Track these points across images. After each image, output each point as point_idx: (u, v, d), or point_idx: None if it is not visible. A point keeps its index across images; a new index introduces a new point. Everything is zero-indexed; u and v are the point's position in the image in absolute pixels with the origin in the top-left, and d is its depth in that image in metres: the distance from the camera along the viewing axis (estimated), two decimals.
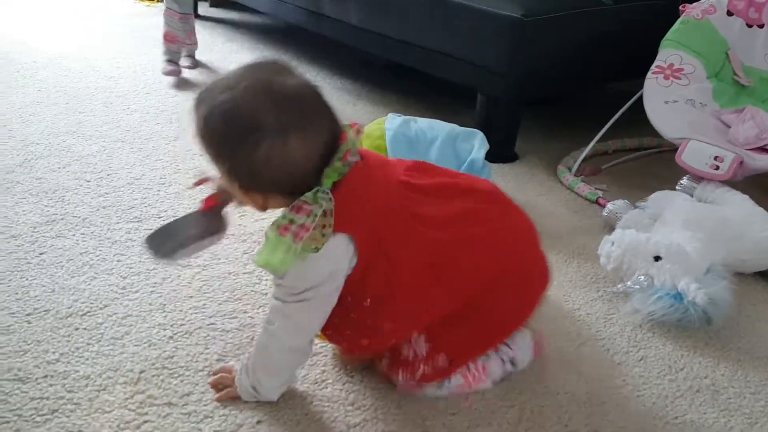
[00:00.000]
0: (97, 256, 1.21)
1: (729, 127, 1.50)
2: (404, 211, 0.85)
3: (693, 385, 1.01)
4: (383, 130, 1.42)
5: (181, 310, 1.08)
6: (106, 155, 1.62)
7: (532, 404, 0.94)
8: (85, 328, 1.02)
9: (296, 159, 0.78)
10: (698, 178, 1.39)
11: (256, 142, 0.76)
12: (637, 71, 1.64)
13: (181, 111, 1.93)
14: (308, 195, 0.78)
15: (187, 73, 2.23)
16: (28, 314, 1.05)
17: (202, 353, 0.99)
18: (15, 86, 2.02)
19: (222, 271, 1.19)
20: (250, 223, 1.35)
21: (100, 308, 1.07)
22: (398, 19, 1.86)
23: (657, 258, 1.15)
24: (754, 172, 1.39)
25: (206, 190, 0.94)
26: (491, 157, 1.46)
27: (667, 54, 1.58)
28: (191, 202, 1.42)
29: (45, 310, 1.06)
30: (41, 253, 1.20)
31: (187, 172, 1.56)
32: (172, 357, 0.98)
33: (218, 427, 0.86)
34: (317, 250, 0.78)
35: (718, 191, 1.35)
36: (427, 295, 0.86)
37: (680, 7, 1.62)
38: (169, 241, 0.90)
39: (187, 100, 2.00)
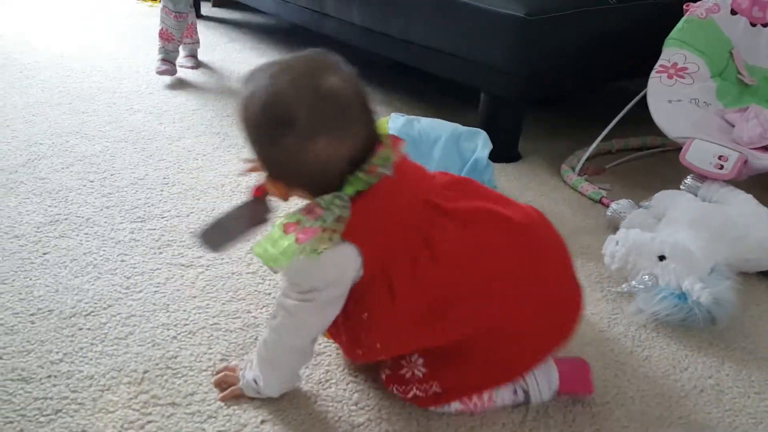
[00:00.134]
0: (101, 256, 1.21)
1: (733, 126, 1.49)
2: (418, 235, 0.82)
3: (697, 385, 1.01)
4: (386, 129, 1.42)
5: (184, 310, 1.08)
6: (110, 155, 1.62)
7: (537, 404, 0.93)
8: (88, 328, 1.02)
9: (320, 159, 0.77)
10: (702, 178, 1.39)
11: (283, 136, 0.76)
12: (640, 70, 1.64)
13: (183, 111, 1.93)
14: (326, 198, 0.78)
15: (189, 73, 2.23)
16: (31, 314, 1.05)
17: (205, 353, 0.99)
18: (18, 86, 2.02)
19: (225, 271, 1.19)
20: None
21: (104, 308, 1.07)
22: (401, 18, 1.86)
23: (661, 258, 1.15)
24: (759, 171, 1.38)
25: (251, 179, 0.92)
26: (494, 156, 1.46)
27: (671, 53, 1.58)
28: (194, 201, 1.42)
29: (49, 310, 1.06)
30: (45, 253, 1.21)
31: (190, 172, 1.56)
32: (175, 357, 0.98)
33: (222, 427, 0.86)
34: (319, 253, 0.77)
35: (723, 191, 1.35)
36: (422, 330, 0.83)
37: (684, 6, 1.62)
38: (223, 234, 0.90)
39: (189, 101, 2.00)
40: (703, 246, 1.19)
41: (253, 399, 0.91)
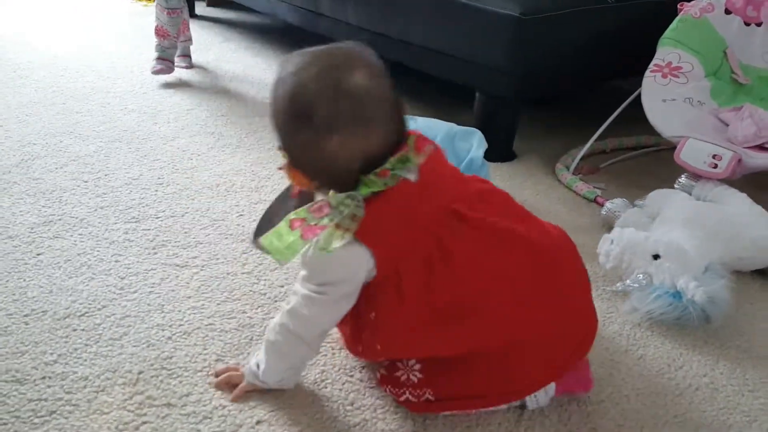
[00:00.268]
0: (95, 256, 1.21)
1: (727, 125, 1.50)
2: (432, 239, 0.81)
3: (692, 384, 1.01)
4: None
5: (179, 311, 1.08)
6: (104, 155, 1.61)
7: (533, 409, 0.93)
8: (83, 329, 1.02)
9: (332, 157, 0.78)
10: (696, 177, 1.39)
11: (301, 129, 0.77)
12: (635, 69, 1.64)
13: (178, 111, 1.92)
14: (339, 197, 0.78)
15: (183, 73, 2.22)
16: (25, 315, 1.04)
17: (200, 354, 0.99)
18: (12, 86, 2.01)
19: (221, 271, 1.19)
20: (248, 223, 1.35)
21: (98, 309, 1.07)
22: (396, 18, 1.85)
23: (656, 256, 1.15)
24: (753, 170, 1.39)
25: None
26: (490, 156, 1.46)
27: (665, 52, 1.58)
28: (189, 201, 1.42)
29: (43, 311, 1.05)
30: (39, 254, 1.20)
31: (185, 172, 1.55)
32: (170, 357, 0.98)
33: (217, 428, 0.86)
34: (330, 250, 0.77)
35: (717, 189, 1.35)
36: (425, 337, 0.82)
37: (678, 6, 1.62)
38: (271, 227, 0.89)
39: (183, 100, 2.00)
40: (697, 245, 1.19)
41: (248, 400, 0.90)
